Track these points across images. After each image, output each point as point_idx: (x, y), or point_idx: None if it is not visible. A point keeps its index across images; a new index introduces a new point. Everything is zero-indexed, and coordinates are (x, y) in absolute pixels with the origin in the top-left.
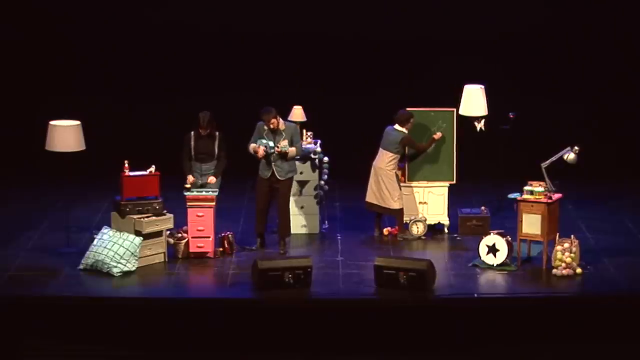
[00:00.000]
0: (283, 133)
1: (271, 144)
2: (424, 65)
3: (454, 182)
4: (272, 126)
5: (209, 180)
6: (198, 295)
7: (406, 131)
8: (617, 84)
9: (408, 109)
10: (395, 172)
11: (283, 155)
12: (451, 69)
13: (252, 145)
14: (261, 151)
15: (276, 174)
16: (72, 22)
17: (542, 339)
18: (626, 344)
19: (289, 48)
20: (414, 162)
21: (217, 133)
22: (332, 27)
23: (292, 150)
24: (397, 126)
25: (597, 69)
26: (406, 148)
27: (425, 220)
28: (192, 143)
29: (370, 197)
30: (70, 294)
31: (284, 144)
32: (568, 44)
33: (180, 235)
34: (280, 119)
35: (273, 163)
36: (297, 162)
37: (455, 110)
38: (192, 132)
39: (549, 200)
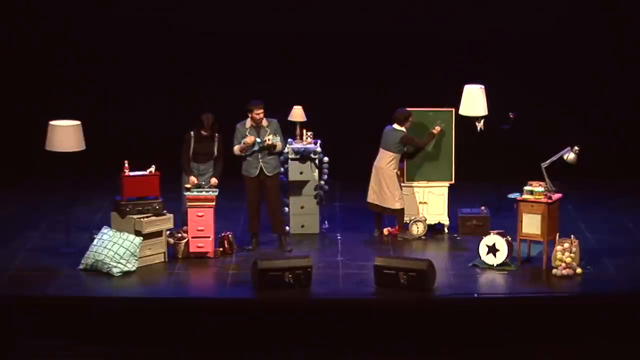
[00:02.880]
0: (267, 129)
1: (258, 139)
2: (423, 66)
3: (452, 182)
4: (258, 117)
5: (212, 182)
6: (198, 295)
7: (405, 130)
8: (618, 83)
9: (407, 108)
10: (396, 172)
11: (270, 149)
12: (451, 69)
13: (237, 147)
14: (250, 140)
15: (265, 171)
16: (73, 22)
17: (542, 339)
18: (626, 344)
19: (289, 48)
20: (413, 162)
21: (216, 135)
22: (332, 27)
23: (278, 144)
24: (396, 125)
25: (598, 69)
26: (406, 146)
27: (425, 220)
28: (192, 144)
29: (372, 198)
30: (70, 294)
31: (271, 137)
32: (568, 44)
33: (180, 235)
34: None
35: (261, 160)
36: (297, 162)
37: (454, 110)
38: (192, 132)
39: (549, 200)
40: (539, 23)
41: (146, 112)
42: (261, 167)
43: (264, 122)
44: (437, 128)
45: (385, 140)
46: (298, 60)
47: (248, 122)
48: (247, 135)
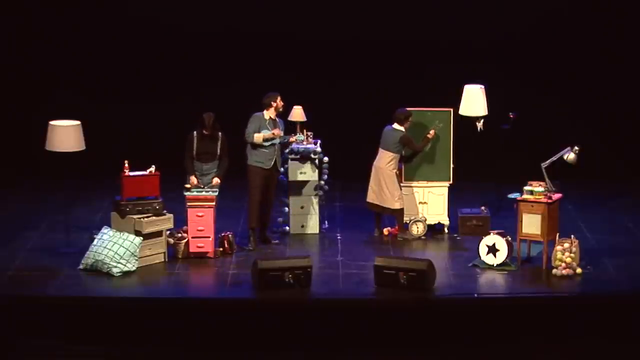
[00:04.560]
0: (279, 124)
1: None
2: (423, 66)
3: (451, 182)
4: (282, 104)
5: (214, 182)
6: (198, 295)
7: (405, 130)
8: (617, 84)
9: (407, 108)
10: (396, 172)
11: (287, 145)
12: (451, 69)
13: (260, 135)
14: (278, 132)
15: (277, 164)
16: (73, 22)
17: (542, 339)
18: (626, 343)
19: (289, 48)
20: (410, 163)
21: (219, 134)
22: (333, 27)
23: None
24: (395, 125)
25: (598, 68)
26: (404, 148)
27: (425, 220)
28: (195, 143)
29: (371, 197)
30: (70, 294)
31: (297, 136)
32: (568, 44)
33: (180, 235)
34: None
35: (275, 153)
36: (297, 162)
37: (452, 110)
38: (195, 132)
39: (549, 200)
40: (539, 23)
41: (146, 112)
42: (275, 160)
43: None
44: (432, 133)
45: (385, 140)
46: (298, 61)
47: (267, 114)
48: (267, 126)
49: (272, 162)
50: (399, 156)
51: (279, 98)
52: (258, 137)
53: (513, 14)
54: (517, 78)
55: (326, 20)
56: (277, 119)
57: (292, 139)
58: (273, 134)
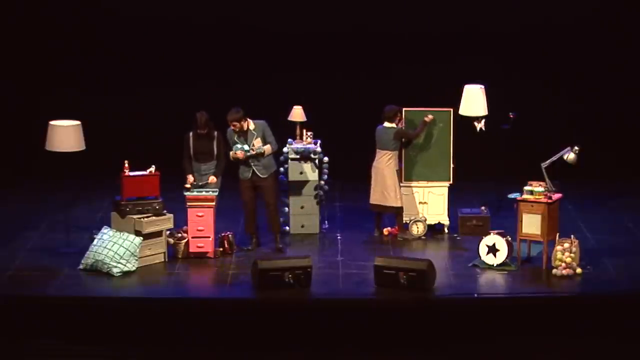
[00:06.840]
0: (254, 132)
1: (246, 147)
2: (423, 65)
3: (451, 182)
4: (235, 128)
5: (209, 180)
6: (198, 295)
7: (396, 125)
8: (618, 83)
9: (405, 108)
10: (396, 170)
11: (260, 155)
12: (451, 69)
13: (231, 153)
14: (241, 154)
15: (257, 173)
16: (73, 22)
17: (542, 339)
18: (626, 343)
19: (289, 47)
20: (412, 162)
21: (215, 133)
22: (332, 26)
23: (267, 149)
24: (386, 124)
25: (598, 68)
26: (402, 140)
27: (425, 220)
28: (191, 143)
29: (374, 199)
30: (70, 294)
31: (258, 144)
32: (569, 44)
33: (180, 235)
34: (249, 119)
35: (252, 164)
36: (297, 162)
37: (452, 110)
38: (191, 133)
39: (549, 200)
40: (539, 23)
41: (146, 112)
42: (253, 171)
43: (251, 126)
44: (430, 116)
45: (380, 140)
46: (298, 60)
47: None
48: (236, 141)
49: (250, 173)
50: (397, 153)
51: (236, 119)
52: (230, 156)
53: (513, 14)
54: (518, 78)
55: (327, 19)
56: (250, 130)
57: (252, 152)
58: (232, 158)
